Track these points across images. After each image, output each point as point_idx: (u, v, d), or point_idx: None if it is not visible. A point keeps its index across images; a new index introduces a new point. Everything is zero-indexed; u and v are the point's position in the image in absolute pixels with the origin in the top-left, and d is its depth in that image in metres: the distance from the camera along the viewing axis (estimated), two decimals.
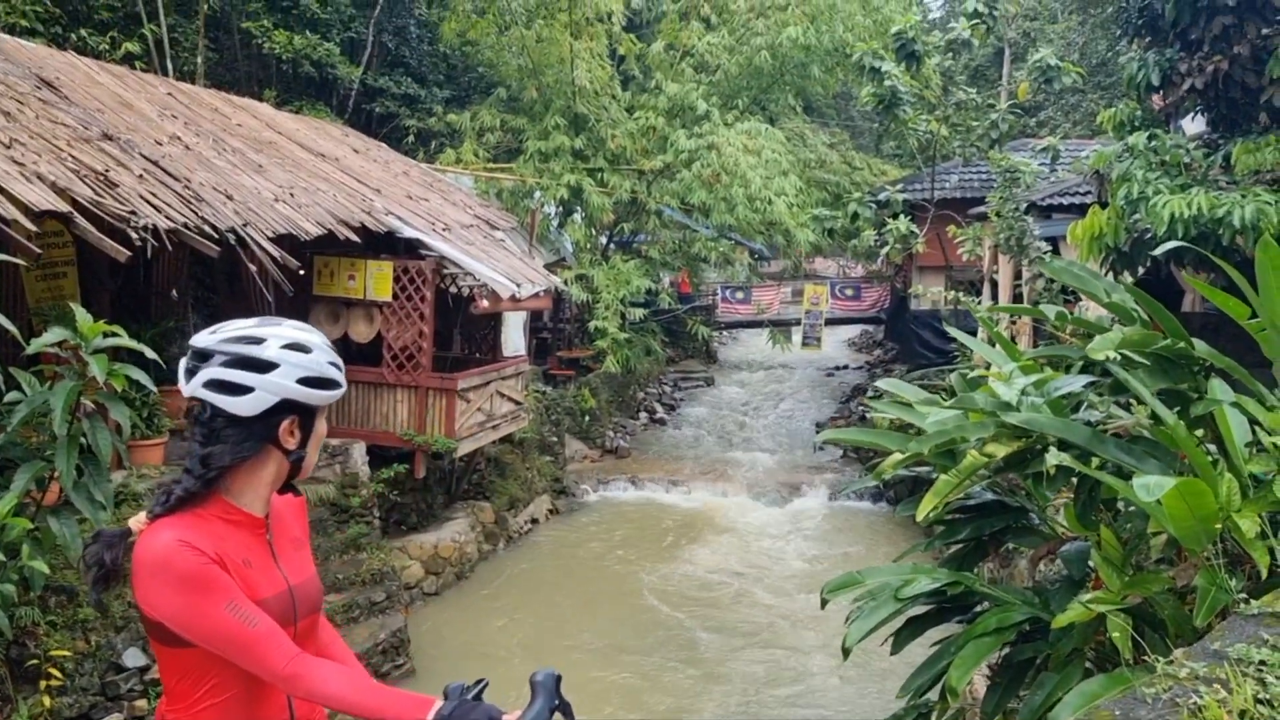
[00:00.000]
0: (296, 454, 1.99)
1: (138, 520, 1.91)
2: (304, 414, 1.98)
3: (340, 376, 2.02)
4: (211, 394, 1.89)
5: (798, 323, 22.51)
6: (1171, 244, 3.74)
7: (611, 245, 18.56)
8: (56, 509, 5.05)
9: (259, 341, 1.92)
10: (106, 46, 13.63)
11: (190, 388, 1.91)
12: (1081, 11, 24.38)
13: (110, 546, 1.92)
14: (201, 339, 1.94)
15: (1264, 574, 2.58)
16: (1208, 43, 7.79)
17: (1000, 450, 3.08)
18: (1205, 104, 8.41)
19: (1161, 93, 8.36)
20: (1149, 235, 7.54)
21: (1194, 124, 9.56)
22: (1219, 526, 2.58)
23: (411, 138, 17.86)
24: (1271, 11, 7.52)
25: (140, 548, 1.83)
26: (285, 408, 1.93)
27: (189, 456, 1.94)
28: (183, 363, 1.94)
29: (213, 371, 1.89)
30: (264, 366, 1.90)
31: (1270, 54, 7.39)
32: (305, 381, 1.94)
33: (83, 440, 4.83)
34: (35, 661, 5.65)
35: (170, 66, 14.58)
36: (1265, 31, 7.57)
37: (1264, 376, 3.13)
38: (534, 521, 12.91)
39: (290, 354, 1.92)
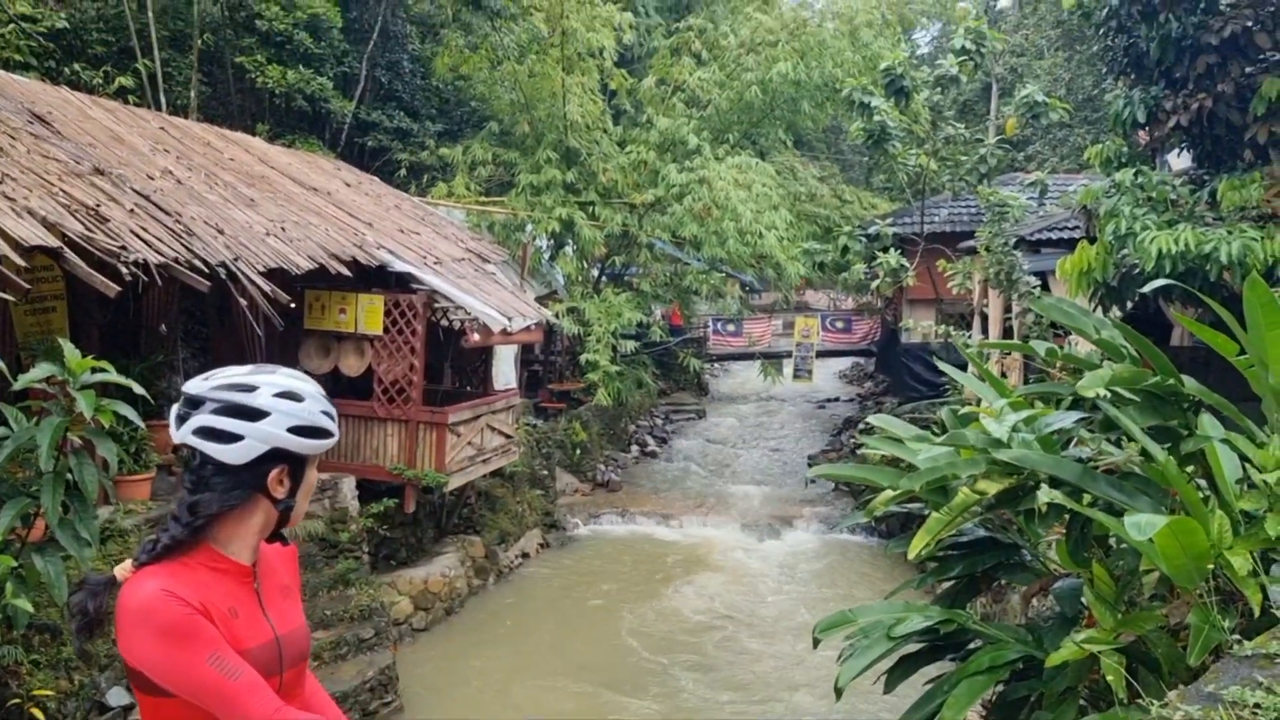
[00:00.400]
0: (285, 503, 1.97)
1: (123, 568, 1.89)
2: (294, 463, 1.96)
3: (333, 426, 2.00)
4: (201, 441, 1.88)
5: (789, 355, 22.55)
6: (1160, 281, 3.75)
7: (603, 278, 18.60)
8: (41, 546, 4.99)
9: (251, 389, 1.91)
10: (100, 81, 13.68)
11: (180, 434, 1.89)
12: (1067, 48, 24.68)
13: (94, 595, 1.89)
14: (194, 385, 1.93)
15: (1257, 611, 2.58)
16: (1192, 81, 7.89)
17: (992, 487, 3.08)
18: (1190, 140, 8.49)
19: (1147, 129, 8.44)
20: (1137, 271, 7.58)
21: (1180, 159, 9.65)
22: (1211, 565, 2.58)
23: (404, 171, 17.94)
24: (1254, 51, 7.62)
25: (124, 596, 1.81)
26: (275, 456, 1.91)
27: (177, 504, 1.91)
28: (174, 409, 1.93)
29: (203, 419, 1.88)
30: (254, 414, 1.89)
31: (1253, 92, 7.48)
32: (296, 430, 1.92)
33: (69, 476, 4.79)
34: (18, 701, 5.56)
35: (163, 101, 14.64)
36: (1248, 70, 7.67)
37: (1252, 412, 3.14)
38: (524, 556, 12.82)
39: (282, 402, 1.91)
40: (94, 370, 4.80)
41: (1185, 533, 2.51)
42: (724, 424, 22.28)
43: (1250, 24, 7.56)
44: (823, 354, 23.74)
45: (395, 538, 10.54)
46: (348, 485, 9.50)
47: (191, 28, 15.59)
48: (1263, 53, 7.68)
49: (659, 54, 19.17)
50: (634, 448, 19.36)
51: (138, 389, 4.84)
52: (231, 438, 1.87)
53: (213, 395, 1.90)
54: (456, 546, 11.28)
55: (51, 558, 4.92)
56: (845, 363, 29.60)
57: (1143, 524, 2.41)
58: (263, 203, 9.90)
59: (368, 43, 17.85)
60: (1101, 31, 8.69)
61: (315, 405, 1.96)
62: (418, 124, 18.90)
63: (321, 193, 11.79)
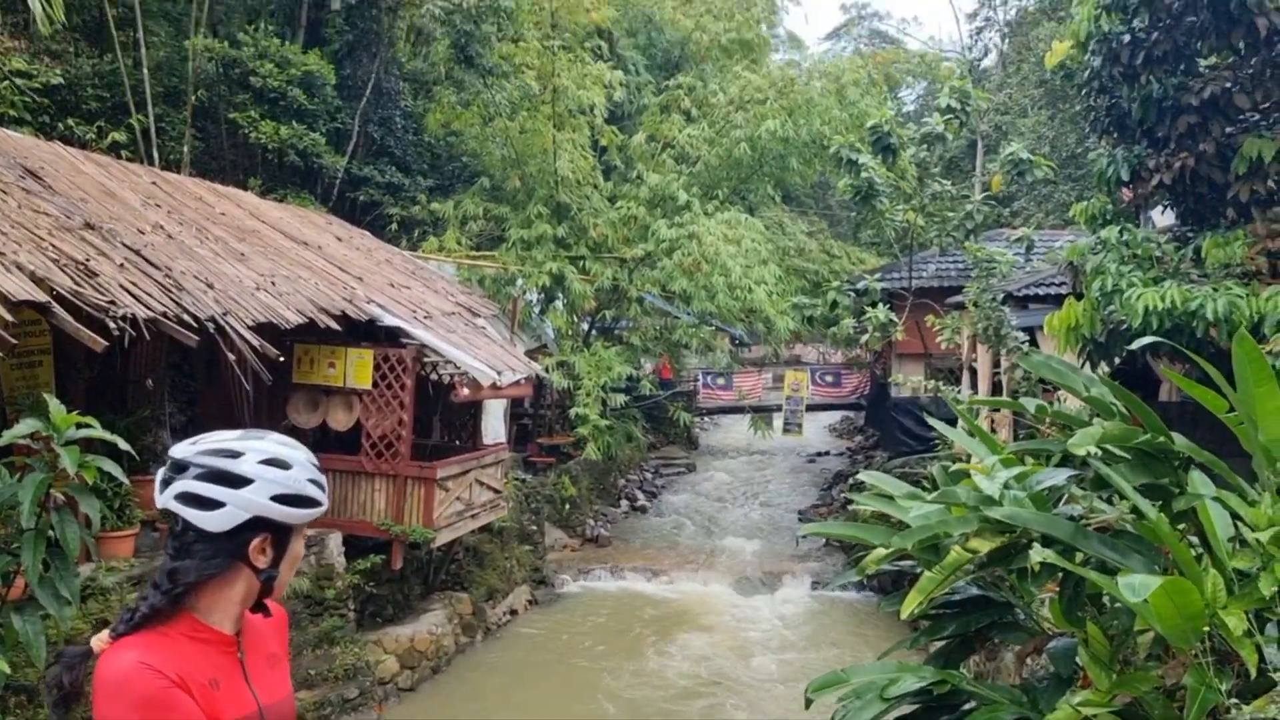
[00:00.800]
0: (268, 573, 1.92)
1: (100, 639, 1.85)
2: (278, 532, 1.92)
3: (320, 495, 1.96)
4: (182, 507, 1.84)
5: (779, 409, 22.55)
6: (1148, 339, 3.77)
7: (593, 331, 18.64)
8: (20, 605, 4.89)
9: (236, 455, 1.88)
10: (93, 136, 13.76)
11: (163, 499, 1.86)
12: (1050, 107, 25.10)
13: (70, 668, 1.85)
14: (180, 450, 1.90)
15: (1253, 673, 2.55)
16: (1174, 140, 8.01)
17: (984, 546, 3.06)
18: (1174, 198, 8.60)
19: (1131, 187, 8.55)
20: (1124, 327, 7.63)
21: (1164, 216, 9.76)
22: (1206, 625, 2.56)
23: (395, 225, 18.02)
24: (1234, 111, 7.76)
25: (100, 668, 1.77)
26: (257, 525, 1.87)
27: (158, 570, 1.88)
28: (159, 472, 1.89)
29: (186, 484, 1.85)
30: (238, 481, 1.85)
31: (1234, 151, 7.60)
32: (280, 499, 1.88)
33: (50, 533, 4.71)
34: None
35: (156, 155, 14.73)
36: (1228, 130, 7.80)
37: (1242, 468, 3.13)
38: (513, 613, 12.67)
39: (267, 469, 1.88)
40: (78, 426, 4.76)
41: (1179, 593, 2.49)
42: (714, 478, 22.19)
43: (1229, 85, 7.70)
44: (812, 408, 23.75)
45: (382, 594, 10.40)
46: (334, 541, 9.40)
47: (186, 84, 15.75)
48: (1242, 113, 7.82)
49: (649, 111, 19.43)
50: (624, 502, 19.25)
51: (123, 444, 4.79)
52: (213, 504, 1.84)
53: (197, 460, 1.86)
54: (444, 603, 11.14)
55: (30, 617, 4.82)
56: (835, 416, 29.63)
57: (1137, 585, 2.40)
58: (253, 257, 9.92)
59: (361, 99, 18.04)
60: (1084, 92, 8.83)
61: (302, 473, 1.92)
62: (410, 179, 19.04)
63: (312, 247, 11.83)
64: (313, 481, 1.94)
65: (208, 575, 1.85)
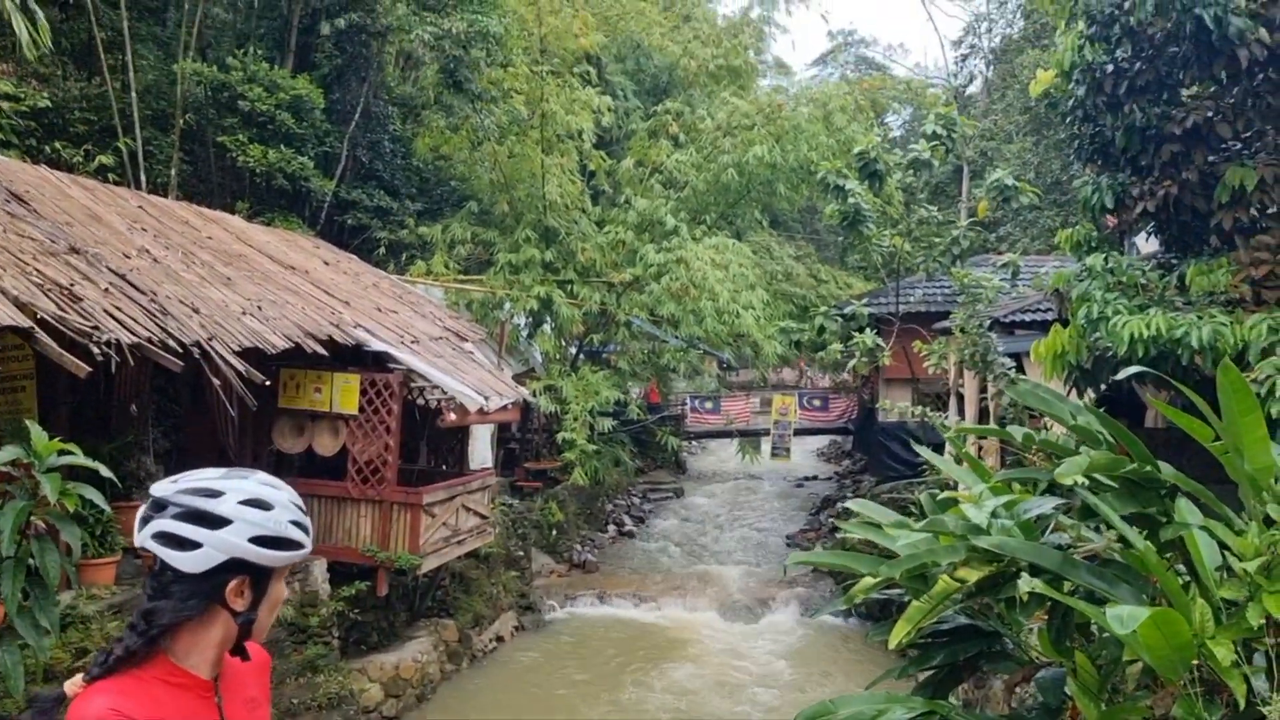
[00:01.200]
0: (245, 616, 1.87)
1: (73, 683, 1.80)
2: (257, 574, 1.87)
3: (302, 537, 1.92)
4: (159, 546, 1.80)
5: (766, 433, 22.55)
6: (1134, 369, 3.78)
7: (581, 356, 18.63)
8: None
9: (216, 495, 1.83)
10: (80, 159, 13.73)
11: (140, 538, 1.82)
12: (1035, 133, 25.32)
13: (43, 713, 1.81)
14: (161, 488, 1.86)
15: (1241, 703, 2.55)
16: (1157, 168, 8.07)
17: (972, 575, 3.05)
18: (1158, 226, 8.66)
19: (1115, 214, 8.61)
20: (1110, 354, 7.66)
21: (1148, 243, 9.83)
22: (1195, 658, 2.55)
23: (383, 249, 18.00)
24: (1216, 140, 7.83)
25: (72, 714, 1.73)
26: (234, 566, 1.82)
27: (135, 611, 1.84)
28: (140, 510, 1.86)
29: (163, 523, 1.81)
30: (216, 522, 1.81)
31: (1217, 180, 7.66)
32: (259, 540, 1.83)
33: (30, 562, 4.66)
34: None
35: (144, 178, 14.70)
36: (1211, 159, 7.86)
37: (1228, 494, 3.14)
38: (499, 640, 12.57)
39: (247, 510, 1.83)
40: (60, 452, 4.72)
41: (1168, 624, 2.48)
42: (702, 503, 22.14)
43: (1211, 115, 7.77)
44: (800, 432, 23.74)
45: (366, 621, 10.31)
46: (319, 568, 9.32)
47: (174, 107, 15.74)
48: (1224, 142, 7.89)
49: (637, 136, 19.52)
50: (611, 527, 19.17)
51: (105, 471, 4.75)
52: (190, 544, 1.79)
53: (176, 499, 1.83)
54: (429, 630, 11.05)
55: (9, 647, 4.77)
56: (822, 441, 29.62)
57: (1125, 616, 2.39)
58: (240, 281, 9.88)
59: (349, 123, 18.07)
60: (1068, 120, 8.91)
61: (284, 515, 1.88)
62: (398, 203, 19.05)
63: (299, 271, 11.80)
64: (295, 523, 1.90)
65: (184, 617, 1.81)
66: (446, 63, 17.11)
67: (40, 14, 9.00)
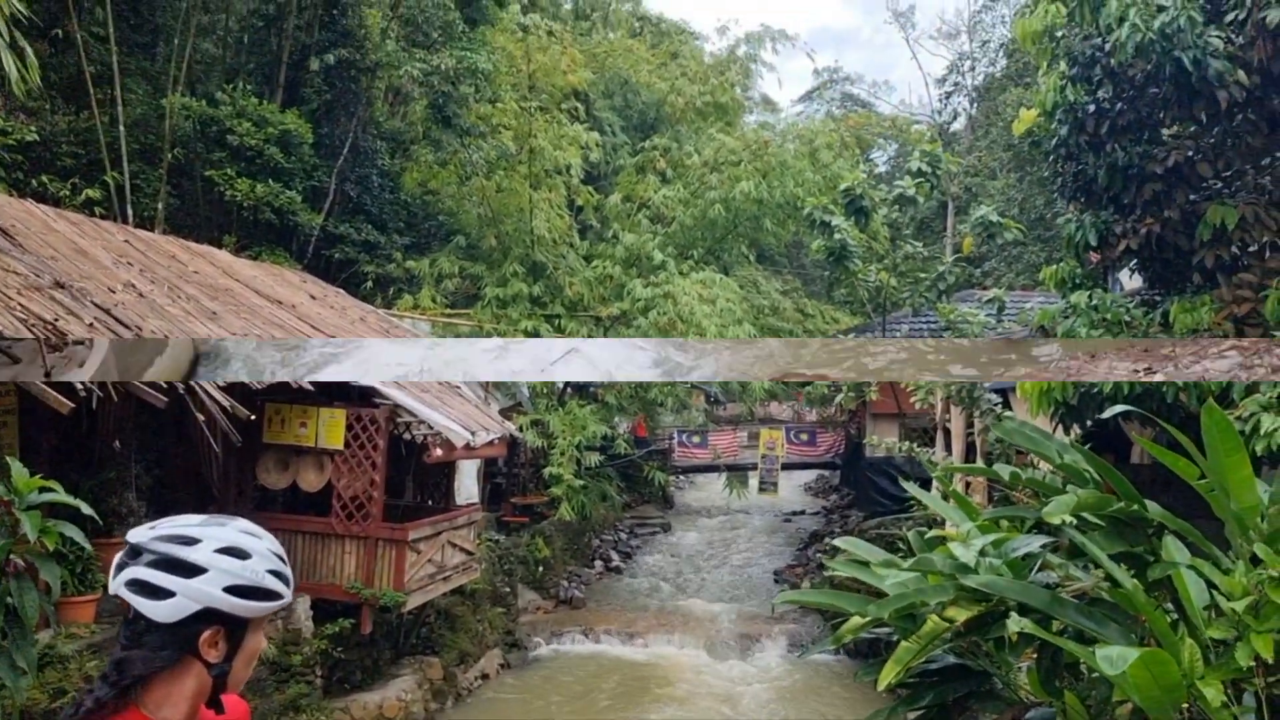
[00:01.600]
0: (219, 669, 1.81)
1: None
2: (231, 625, 1.80)
3: (281, 587, 1.85)
4: (132, 595, 1.75)
5: (754, 467, 22.52)
6: (1119, 408, 3.81)
7: (568, 390, 18.61)
8: None
9: (192, 542, 1.78)
10: (67, 193, 13.71)
11: (114, 585, 1.77)
12: (1019, 170, 25.60)
13: None
14: (137, 534, 1.81)
15: None
16: (1140, 207, 8.15)
17: (961, 615, 3.04)
18: (1141, 263, 8.74)
19: (1099, 251, 8.69)
20: (1095, 390, 7.69)
21: (1132, 279, 9.91)
22: (1185, 699, 2.54)
23: (370, 283, 18.01)
24: (1197, 180, 7.92)
25: None
26: (208, 616, 1.77)
27: (109, 661, 1.79)
28: (116, 557, 1.81)
29: (137, 570, 1.76)
30: (190, 570, 1.76)
31: (1199, 218, 7.74)
32: (234, 590, 1.78)
33: (8, 600, 4.59)
34: None
35: (130, 212, 14.68)
36: (1192, 197, 7.95)
37: (1214, 530, 3.14)
38: (484, 677, 12.43)
39: (222, 559, 1.78)
40: (41, 490, 4.67)
41: (1157, 664, 2.48)
42: (689, 538, 22.04)
43: (1192, 154, 7.87)
44: (787, 466, 23.73)
45: (350, 659, 10.18)
46: (302, 606, 9.22)
47: (162, 141, 15.77)
48: (1205, 181, 7.98)
49: (625, 172, 19.68)
50: (598, 563, 19.05)
51: (85, 509, 4.70)
52: (162, 593, 1.74)
53: (151, 546, 1.78)
54: (414, 668, 10.91)
55: None
56: (810, 475, 29.61)
57: (1114, 656, 2.38)
58: (226, 316, 9.85)
59: (338, 158, 18.11)
60: (1051, 159, 9.00)
61: (262, 564, 1.82)
62: (385, 237, 19.08)
63: (286, 305, 11.78)
64: (273, 573, 1.83)
65: (156, 668, 1.76)
66: (435, 98, 17.23)
67: (29, 50, 9.00)
